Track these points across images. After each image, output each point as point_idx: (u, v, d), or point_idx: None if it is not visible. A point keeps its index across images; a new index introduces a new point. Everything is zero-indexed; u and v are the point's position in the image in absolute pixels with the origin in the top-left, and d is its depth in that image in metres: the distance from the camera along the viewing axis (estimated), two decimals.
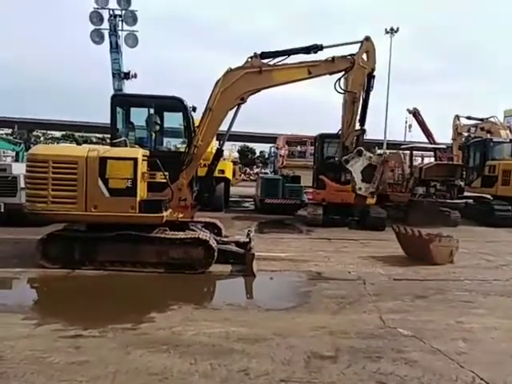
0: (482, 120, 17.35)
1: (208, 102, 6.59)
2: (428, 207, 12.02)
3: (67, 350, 3.35)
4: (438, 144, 19.26)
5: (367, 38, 7.59)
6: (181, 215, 6.45)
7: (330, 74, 7.35)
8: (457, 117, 18.59)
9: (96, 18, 17.72)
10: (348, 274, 6.16)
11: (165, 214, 5.87)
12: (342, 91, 7.58)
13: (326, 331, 3.92)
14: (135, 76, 18.13)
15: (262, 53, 6.84)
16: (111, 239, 5.76)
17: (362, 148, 7.80)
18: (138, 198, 5.68)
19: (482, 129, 16.89)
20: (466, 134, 18.09)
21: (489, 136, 15.46)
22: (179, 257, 5.85)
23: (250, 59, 6.78)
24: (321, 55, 7.24)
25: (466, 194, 14.25)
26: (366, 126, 8.01)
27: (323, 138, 12.80)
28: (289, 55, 7.01)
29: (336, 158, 10.88)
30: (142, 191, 5.83)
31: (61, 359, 3.18)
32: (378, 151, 28.76)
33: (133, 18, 17.89)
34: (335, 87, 7.52)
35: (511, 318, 4.44)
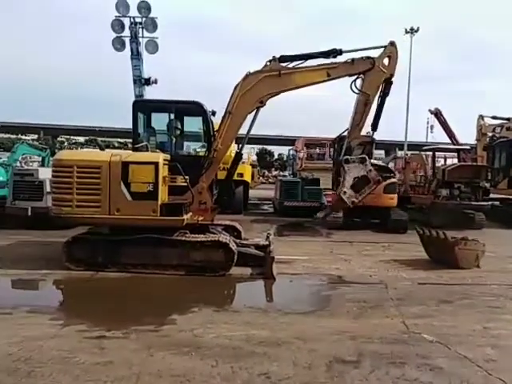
0: (508, 119, 16.80)
1: (227, 105, 6.65)
2: (452, 209, 11.75)
3: (92, 350, 3.43)
4: (461, 145, 18.78)
5: (392, 43, 7.41)
6: (201, 218, 6.52)
7: (350, 75, 7.28)
8: (481, 117, 18.07)
9: (117, 25, 18.12)
10: (369, 278, 6.08)
11: (185, 217, 5.94)
12: (357, 91, 7.49)
13: (348, 336, 3.88)
14: (156, 82, 18.43)
15: (281, 56, 6.85)
16: (133, 242, 5.87)
17: (366, 157, 7.67)
18: (160, 202, 5.77)
19: (508, 128, 16.35)
20: (490, 135, 17.56)
21: None
22: (200, 259, 5.91)
23: (268, 63, 6.80)
24: (340, 58, 7.20)
25: (491, 195, 13.83)
26: (384, 128, 7.89)
27: (342, 140, 12.68)
28: (307, 59, 7.00)
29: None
30: (163, 195, 5.92)
31: (86, 359, 3.26)
32: (399, 153, 28.27)
33: (153, 25, 18.21)
34: (351, 86, 7.43)
35: None
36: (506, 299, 5.15)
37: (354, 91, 7.49)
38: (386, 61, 7.42)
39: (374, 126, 7.88)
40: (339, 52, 7.12)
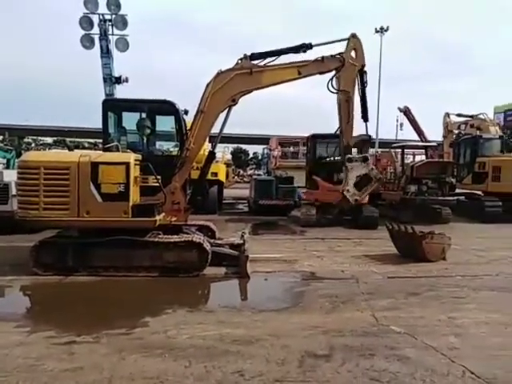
0: (471, 117, 17.50)
1: (199, 104, 6.62)
2: (420, 205, 12.14)
3: (61, 356, 3.35)
4: (429, 142, 19.39)
5: (353, 35, 7.57)
6: (174, 219, 6.46)
7: (321, 73, 7.38)
8: (447, 114, 18.75)
9: (86, 22, 17.61)
10: (341, 273, 6.21)
11: (158, 217, 5.87)
12: (335, 91, 7.60)
13: (320, 330, 3.96)
14: (126, 80, 18.05)
15: (252, 54, 6.88)
16: (104, 244, 5.75)
17: (368, 156, 7.84)
18: (131, 203, 5.68)
19: (472, 126, 17.04)
20: (456, 132, 18.25)
21: (478, 133, 15.62)
22: (173, 260, 5.86)
23: (239, 61, 6.81)
24: (311, 55, 7.29)
25: (457, 190, 14.40)
26: (356, 126, 8.04)
27: (315, 139, 12.88)
28: (279, 55, 7.05)
29: (336, 157, 10.99)
30: (134, 196, 5.83)
31: (54, 366, 3.18)
32: (371, 150, 28.88)
33: (123, 23, 17.82)
34: (328, 87, 7.54)
35: (501, 313, 4.50)
36: (470, 290, 5.40)
37: (331, 91, 7.57)
38: (353, 53, 7.57)
39: (365, 118, 7.95)
40: (309, 46, 7.22)
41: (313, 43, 7.27)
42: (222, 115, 6.80)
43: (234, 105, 6.76)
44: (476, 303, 4.85)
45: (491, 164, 13.23)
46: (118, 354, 3.41)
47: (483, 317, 4.38)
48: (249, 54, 6.88)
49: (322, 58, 7.26)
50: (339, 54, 7.44)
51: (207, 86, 6.62)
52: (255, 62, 6.89)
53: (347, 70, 7.46)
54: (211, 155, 7.03)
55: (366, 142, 8.81)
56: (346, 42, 7.57)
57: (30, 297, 5.33)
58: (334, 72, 7.43)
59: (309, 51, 7.27)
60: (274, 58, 6.98)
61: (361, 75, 7.67)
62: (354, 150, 8.39)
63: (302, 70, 7.16)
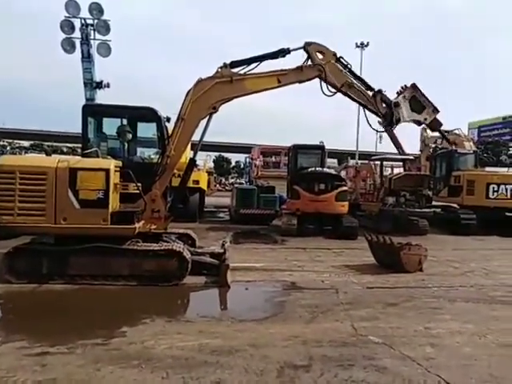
0: (447, 132, 18.06)
1: (180, 111, 6.62)
2: (398, 216, 12.40)
3: (33, 368, 3.23)
4: (407, 155, 19.88)
5: (308, 44, 7.67)
6: (154, 226, 6.38)
7: (300, 82, 7.51)
8: (424, 129, 19.25)
9: (67, 26, 17.45)
10: (321, 284, 6.25)
11: (137, 225, 5.79)
12: (333, 92, 7.69)
13: (300, 340, 3.96)
14: (108, 85, 17.90)
15: (232, 62, 6.96)
16: (81, 252, 5.62)
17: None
18: (110, 210, 5.58)
19: (448, 140, 17.58)
20: (433, 146, 18.79)
21: (454, 147, 16.14)
22: (152, 269, 5.77)
23: (219, 69, 6.87)
24: (291, 63, 7.41)
25: (433, 203, 14.78)
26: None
27: (297, 149, 13.06)
28: (258, 62, 7.15)
29: (316, 168, 11.10)
30: (114, 202, 5.74)
31: (26, 378, 3.06)
32: (351, 161, 29.43)
33: (105, 28, 17.74)
34: (324, 92, 7.64)
35: (475, 323, 4.62)
36: (445, 300, 5.52)
37: (328, 95, 7.66)
38: (320, 56, 7.71)
39: (369, 86, 8.09)
40: (287, 51, 7.35)
41: (290, 48, 7.41)
42: (203, 123, 6.82)
43: (215, 112, 6.80)
44: (451, 314, 4.95)
45: (466, 178, 13.66)
46: (94, 365, 3.31)
47: (458, 327, 4.48)
48: (228, 62, 6.94)
49: (301, 67, 7.39)
50: (315, 64, 7.55)
51: (187, 93, 6.64)
52: (235, 69, 6.96)
53: (329, 69, 7.56)
54: (191, 162, 7.01)
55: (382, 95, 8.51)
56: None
57: (2, 305, 5.12)
58: (314, 80, 7.53)
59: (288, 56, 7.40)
60: (254, 64, 7.07)
61: (340, 63, 7.81)
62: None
63: (282, 79, 7.27)
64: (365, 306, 5.13)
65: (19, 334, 3.93)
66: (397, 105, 7.98)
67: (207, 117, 6.77)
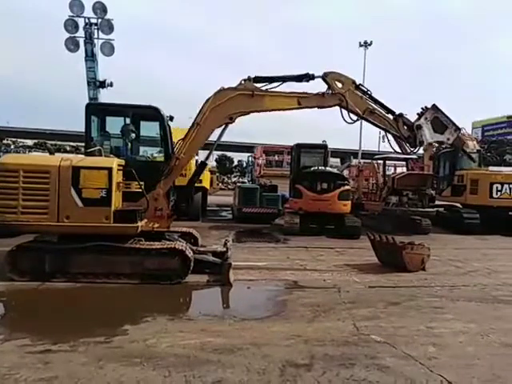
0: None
1: (196, 117, 6.67)
2: (400, 215, 12.36)
3: (35, 365, 3.25)
4: (410, 154, 19.80)
5: (326, 74, 7.63)
6: (157, 225, 6.40)
7: (319, 107, 7.50)
8: None
9: (71, 25, 17.48)
10: (324, 282, 6.24)
11: (139, 224, 5.80)
12: (355, 119, 7.66)
13: (301, 339, 3.96)
14: (111, 85, 17.93)
15: (256, 77, 7.03)
16: (84, 250, 5.64)
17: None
18: (113, 208, 5.60)
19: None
20: (436, 145, 18.69)
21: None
22: (154, 267, 5.78)
23: (243, 81, 6.95)
24: (313, 86, 7.47)
25: (437, 202, 14.73)
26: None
27: (299, 148, 13.04)
28: (281, 82, 7.18)
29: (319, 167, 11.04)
30: (116, 201, 5.75)
31: (28, 376, 3.08)
32: (354, 161, 29.37)
33: (109, 27, 17.75)
34: (344, 119, 7.60)
35: (478, 323, 4.60)
36: (448, 300, 5.50)
37: (348, 122, 7.63)
38: (339, 85, 7.66)
39: (390, 110, 8.06)
40: (311, 77, 7.41)
41: (315, 74, 7.45)
42: (218, 130, 6.88)
43: (231, 123, 6.86)
44: (454, 313, 4.94)
45: (469, 177, 13.60)
46: (96, 362, 3.33)
47: (460, 326, 4.47)
48: (253, 76, 6.97)
49: (323, 93, 7.39)
50: (337, 93, 7.48)
51: (207, 100, 6.71)
52: (258, 85, 6.99)
53: (350, 97, 7.53)
54: (202, 165, 7.10)
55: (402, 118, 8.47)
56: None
57: (5, 303, 5.15)
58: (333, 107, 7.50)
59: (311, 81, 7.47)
60: (276, 84, 7.09)
61: (359, 89, 7.79)
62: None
63: (303, 101, 7.29)
64: (367, 305, 5.12)
65: (22, 331, 3.94)
66: (419, 127, 7.95)
67: (223, 126, 6.80)
